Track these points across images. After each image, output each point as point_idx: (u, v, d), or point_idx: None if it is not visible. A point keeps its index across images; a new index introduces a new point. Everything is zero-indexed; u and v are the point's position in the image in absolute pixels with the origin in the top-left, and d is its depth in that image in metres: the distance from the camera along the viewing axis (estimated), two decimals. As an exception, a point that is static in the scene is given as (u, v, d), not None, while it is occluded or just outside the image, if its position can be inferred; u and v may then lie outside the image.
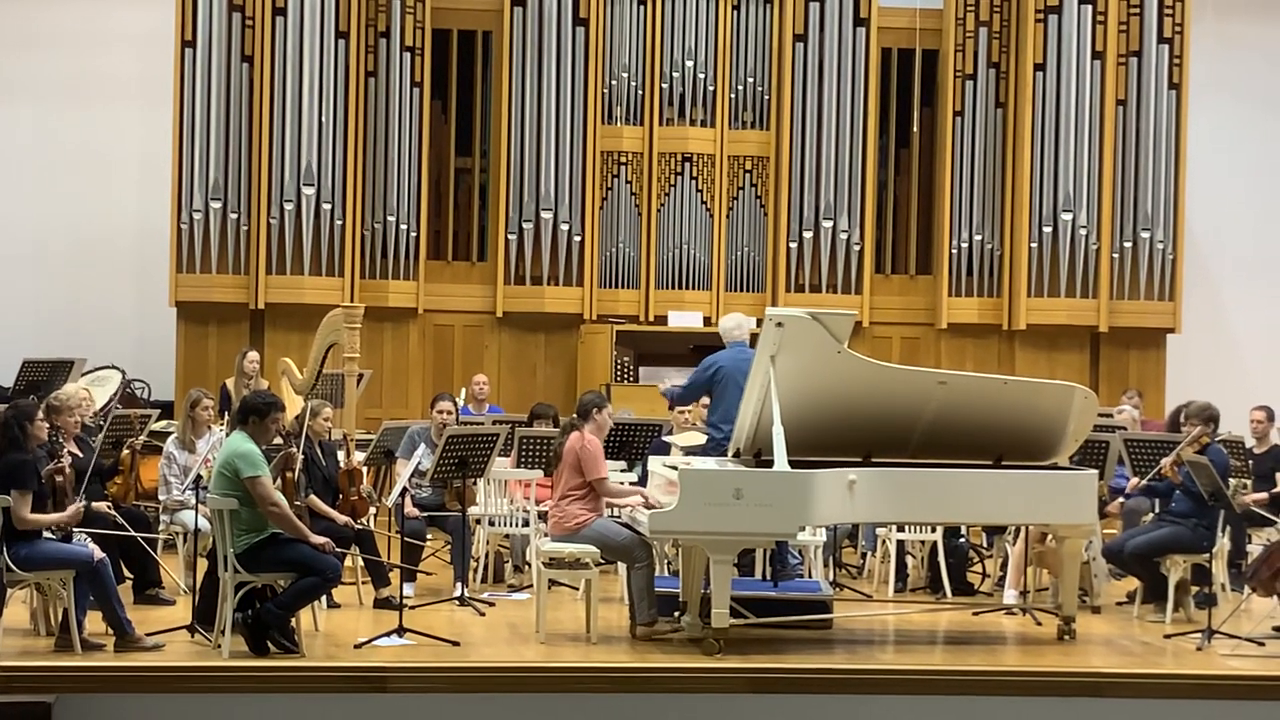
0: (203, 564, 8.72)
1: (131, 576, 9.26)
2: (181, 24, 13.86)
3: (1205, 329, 15.14)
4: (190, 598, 8.71)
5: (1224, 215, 15.58)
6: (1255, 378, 14.57)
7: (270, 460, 8.36)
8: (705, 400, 10.73)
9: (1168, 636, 8.98)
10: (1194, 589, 9.62)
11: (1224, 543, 9.80)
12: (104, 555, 8.06)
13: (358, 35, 14.06)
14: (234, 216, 13.90)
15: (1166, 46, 14.65)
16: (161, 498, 9.76)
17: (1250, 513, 10.10)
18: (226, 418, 10.44)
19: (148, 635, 8.01)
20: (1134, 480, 10.14)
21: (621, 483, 9.05)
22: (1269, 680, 8.04)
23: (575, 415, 8.91)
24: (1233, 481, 9.88)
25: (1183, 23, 14.65)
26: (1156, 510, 10.04)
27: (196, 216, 13.83)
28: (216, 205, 13.85)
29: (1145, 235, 14.59)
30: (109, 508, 9.14)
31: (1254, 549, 10.37)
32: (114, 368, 13.31)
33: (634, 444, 10.74)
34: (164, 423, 11.53)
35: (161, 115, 14.06)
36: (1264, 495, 10.60)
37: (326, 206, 13.87)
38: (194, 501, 8.98)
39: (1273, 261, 15.70)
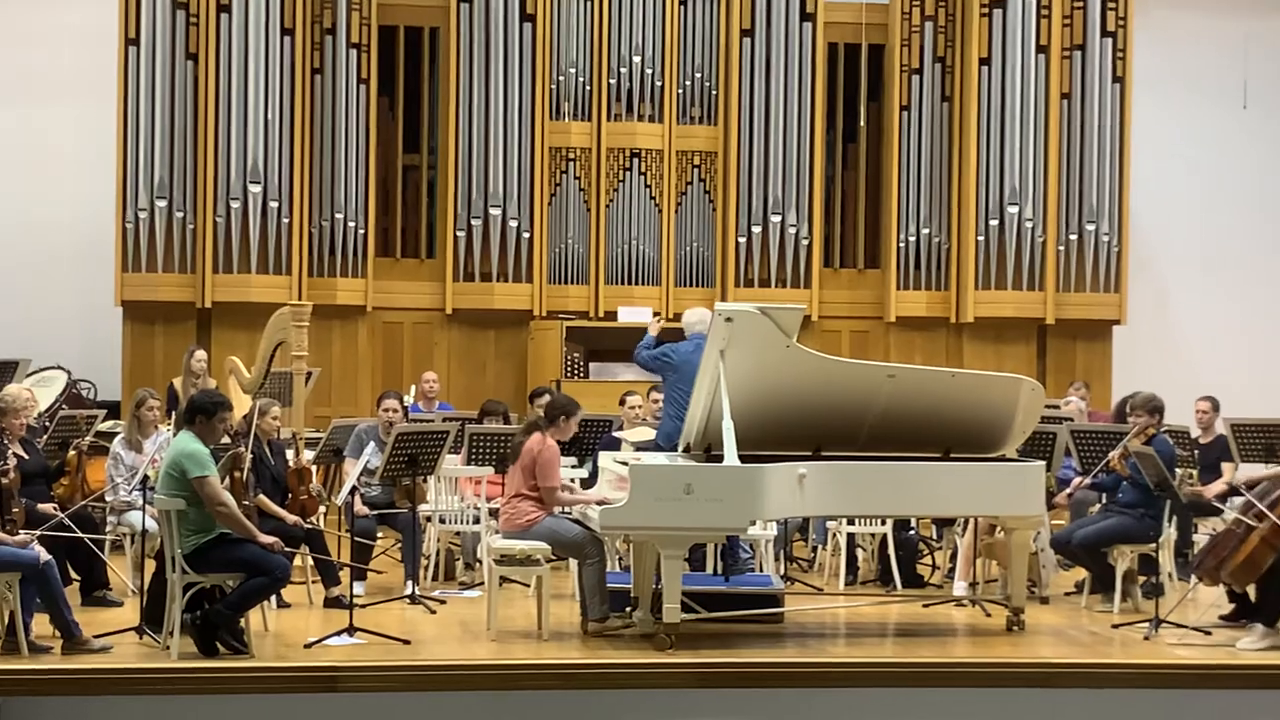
0: (150, 565, 8.67)
1: (79, 578, 9.20)
2: (125, 21, 13.76)
3: (1150, 320, 15.28)
4: (138, 599, 8.64)
5: (1168, 207, 15.72)
6: (1200, 368, 14.71)
7: (218, 460, 8.31)
8: (657, 396, 10.75)
9: (1116, 626, 9.05)
10: (1141, 579, 9.70)
11: (1170, 532, 9.87)
12: (50, 557, 7.98)
13: (303, 32, 13.98)
14: (180, 215, 13.80)
15: (1110, 40, 14.75)
16: (108, 498, 9.68)
17: (1196, 502, 10.19)
18: (174, 417, 10.37)
19: (95, 637, 7.96)
20: (1078, 480, 10.20)
21: (571, 487, 9.03)
22: (1216, 669, 8.12)
23: (543, 415, 8.92)
24: (1179, 471, 9.97)
25: (1126, 16, 14.76)
26: (1104, 501, 10.11)
27: (142, 215, 13.73)
28: (162, 204, 13.76)
29: (1090, 228, 14.70)
30: (55, 509, 9.06)
31: (1200, 538, 10.46)
32: (59, 368, 13.19)
33: (584, 440, 10.74)
34: (110, 423, 11.45)
35: (105, 113, 13.93)
36: (1221, 487, 10.68)
37: (273, 204, 13.79)
38: (141, 502, 8.91)
39: (1216, 252, 15.85)
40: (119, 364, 13.95)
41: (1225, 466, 11.02)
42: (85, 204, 14.54)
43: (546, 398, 11.13)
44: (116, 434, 10.23)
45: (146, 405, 9.81)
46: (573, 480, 9.60)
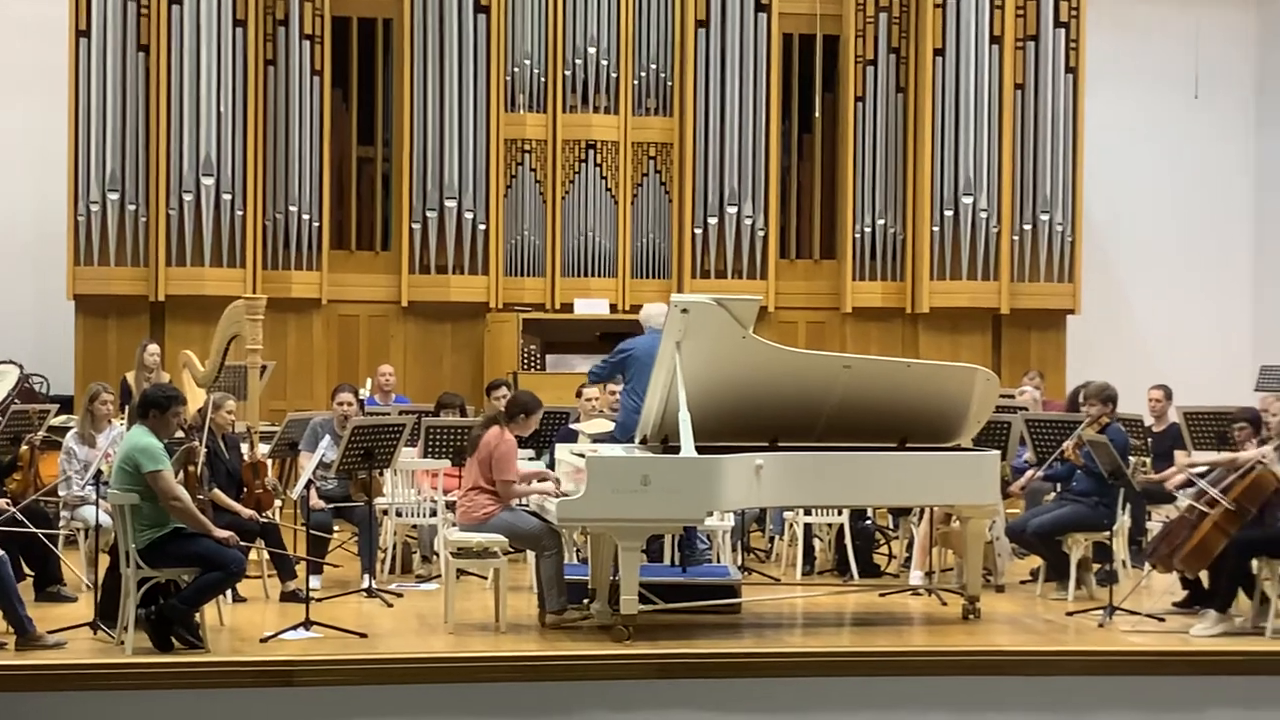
0: (104, 560, 8.61)
1: (32, 574, 9.13)
2: (76, 13, 13.64)
3: (1103, 310, 15.37)
4: (92, 594, 8.58)
5: (1121, 197, 15.82)
6: (1153, 357, 14.83)
7: (172, 454, 8.26)
8: (615, 389, 10.74)
9: (1070, 614, 9.11)
10: (1095, 566, 9.77)
11: (1124, 520, 9.95)
12: (3, 552, 7.92)
13: (256, 23, 13.89)
14: (132, 208, 13.71)
15: (1063, 31, 14.83)
16: (61, 493, 9.61)
17: (1150, 490, 10.26)
18: (127, 411, 10.30)
19: (49, 633, 7.91)
20: (1031, 472, 10.24)
21: (546, 475, 9.03)
22: (1169, 655, 8.19)
23: (503, 410, 8.90)
24: (1132, 460, 10.03)
25: (1078, 7, 14.84)
26: (1058, 489, 10.17)
27: (94, 208, 13.63)
28: (114, 197, 13.66)
29: (1044, 218, 14.77)
30: (7, 504, 8.99)
31: (1154, 526, 10.54)
32: (12, 362, 13.07)
33: (541, 432, 10.71)
34: (63, 417, 11.36)
35: (56, 106, 13.81)
36: (1180, 478, 10.69)
37: (226, 197, 13.71)
38: (95, 497, 8.85)
39: (1169, 242, 15.96)
40: (72, 358, 13.84)
41: (1178, 455, 11.09)
42: (36, 197, 14.42)
43: (503, 390, 11.15)
44: (69, 428, 10.15)
45: (100, 399, 9.75)
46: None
